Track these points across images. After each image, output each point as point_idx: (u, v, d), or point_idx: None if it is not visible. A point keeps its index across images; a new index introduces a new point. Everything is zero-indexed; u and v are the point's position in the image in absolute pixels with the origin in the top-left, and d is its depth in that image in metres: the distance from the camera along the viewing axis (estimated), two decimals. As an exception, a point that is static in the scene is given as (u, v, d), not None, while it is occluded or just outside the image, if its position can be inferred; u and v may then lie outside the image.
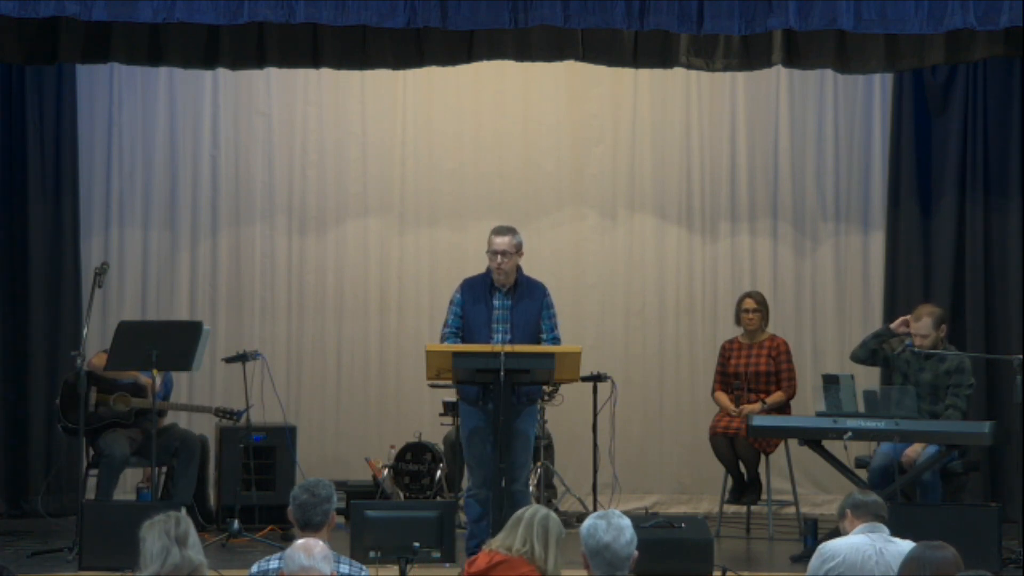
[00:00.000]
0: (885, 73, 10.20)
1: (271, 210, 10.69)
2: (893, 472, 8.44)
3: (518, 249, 7.98)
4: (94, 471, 8.96)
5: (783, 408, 9.50)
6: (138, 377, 8.93)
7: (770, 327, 9.71)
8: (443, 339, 7.98)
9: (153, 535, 4.68)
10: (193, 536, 4.68)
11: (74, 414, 8.70)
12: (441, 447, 9.95)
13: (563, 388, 9.32)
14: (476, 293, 8.00)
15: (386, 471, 9.90)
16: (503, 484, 7.53)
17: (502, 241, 7.93)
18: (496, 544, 5.54)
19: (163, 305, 10.45)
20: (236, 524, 8.50)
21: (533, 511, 5.54)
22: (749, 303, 9.64)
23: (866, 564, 5.57)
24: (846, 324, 10.76)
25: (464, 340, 7.92)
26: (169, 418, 9.38)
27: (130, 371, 8.85)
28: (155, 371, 8.34)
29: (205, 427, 9.97)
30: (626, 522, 4.83)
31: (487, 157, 10.81)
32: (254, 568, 5.33)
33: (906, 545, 5.48)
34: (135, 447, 8.98)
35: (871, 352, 8.94)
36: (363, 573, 5.34)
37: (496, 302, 7.97)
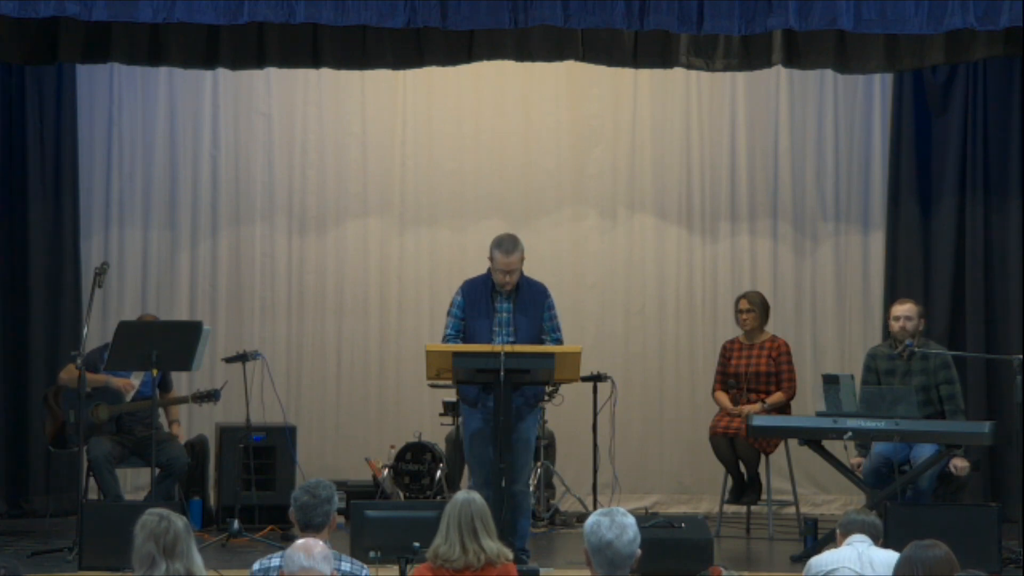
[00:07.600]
0: (885, 73, 10.20)
1: (271, 210, 10.68)
2: (887, 473, 8.44)
3: (522, 260, 7.92)
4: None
5: (783, 408, 9.50)
6: (109, 381, 8.91)
7: (770, 327, 9.70)
8: (444, 341, 7.94)
9: (141, 538, 4.67)
10: (185, 544, 4.65)
11: (58, 436, 8.94)
12: (442, 447, 9.94)
13: (563, 388, 9.30)
14: (477, 295, 7.95)
15: (386, 471, 9.90)
16: (503, 484, 7.52)
17: (510, 261, 7.80)
18: (440, 557, 5.54)
19: (163, 305, 10.43)
20: (236, 524, 8.51)
21: (456, 509, 5.60)
22: (744, 304, 9.64)
23: (852, 568, 5.66)
24: (846, 324, 10.77)
25: (465, 342, 7.87)
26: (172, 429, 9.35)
27: (97, 376, 8.83)
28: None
29: (205, 427, 9.97)
30: (630, 520, 4.81)
31: (487, 157, 10.81)
32: (256, 566, 5.34)
33: (887, 553, 5.57)
34: (120, 449, 8.96)
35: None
36: (363, 572, 5.35)
37: (497, 304, 7.93)
